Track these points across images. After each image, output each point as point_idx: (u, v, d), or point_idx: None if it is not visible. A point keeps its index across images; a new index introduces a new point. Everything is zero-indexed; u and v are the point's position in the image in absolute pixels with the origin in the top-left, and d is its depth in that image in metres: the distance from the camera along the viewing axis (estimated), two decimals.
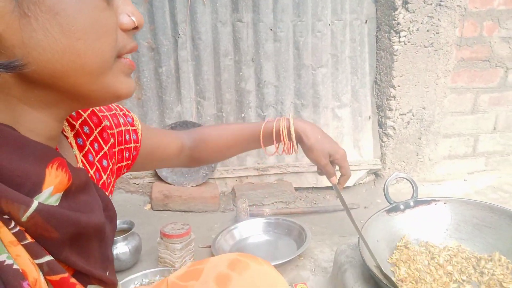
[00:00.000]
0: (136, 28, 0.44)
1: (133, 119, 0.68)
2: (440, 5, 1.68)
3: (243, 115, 1.92)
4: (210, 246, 1.44)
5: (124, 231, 1.40)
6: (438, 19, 1.70)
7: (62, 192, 0.41)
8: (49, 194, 0.39)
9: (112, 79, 0.42)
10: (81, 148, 0.53)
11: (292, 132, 0.84)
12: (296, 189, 1.96)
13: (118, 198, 1.90)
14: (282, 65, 1.88)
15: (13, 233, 0.36)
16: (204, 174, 1.90)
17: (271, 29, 1.84)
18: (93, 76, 0.40)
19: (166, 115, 1.92)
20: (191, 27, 1.83)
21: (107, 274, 0.48)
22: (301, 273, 1.27)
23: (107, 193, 0.56)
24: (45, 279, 0.38)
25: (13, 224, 0.36)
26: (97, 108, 0.60)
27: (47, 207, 0.38)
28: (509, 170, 2.00)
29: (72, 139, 0.52)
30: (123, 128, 0.64)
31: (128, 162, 0.65)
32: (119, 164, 0.62)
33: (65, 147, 0.51)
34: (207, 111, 1.93)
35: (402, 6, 1.68)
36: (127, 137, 0.64)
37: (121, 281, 1.22)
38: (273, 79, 1.90)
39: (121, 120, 0.64)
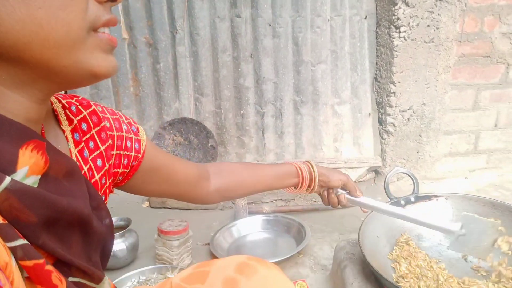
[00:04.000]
0: (113, 0, 0.41)
1: (138, 130, 0.66)
2: (440, 0, 1.66)
3: (242, 111, 1.91)
4: (208, 244, 1.42)
5: (121, 228, 1.38)
6: (439, 14, 1.68)
7: (40, 176, 0.40)
8: (24, 175, 0.37)
9: (86, 54, 0.39)
10: (77, 143, 0.52)
11: (316, 181, 0.90)
12: None
13: (115, 197, 1.87)
14: (281, 61, 1.86)
15: None
16: None
17: (269, 25, 1.82)
18: (62, 50, 0.37)
19: (164, 112, 1.90)
20: (189, 23, 1.81)
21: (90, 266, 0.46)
22: (300, 271, 1.25)
23: (100, 193, 0.54)
24: (18, 264, 0.36)
25: None
26: (100, 109, 0.59)
27: (22, 186, 0.36)
28: (511, 167, 1.98)
29: (68, 133, 0.52)
30: (124, 134, 0.62)
31: (126, 170, 0.63)
32: (116, 169, 0.61)
33: (60, 139, 0.50)
34: (206, 108, 1.91)
35: (402, 1, 1.66)
36: (128, 144, 0.62)
37: (118, 278, 1.20)
38: (272, 76, 1.88)
39: (124, 127, 0.63)
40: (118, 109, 1.87)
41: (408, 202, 1.11)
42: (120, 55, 1.82)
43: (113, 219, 1.43)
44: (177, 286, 0.64)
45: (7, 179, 0.35)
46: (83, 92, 1.83)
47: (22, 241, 0.36)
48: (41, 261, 0.38)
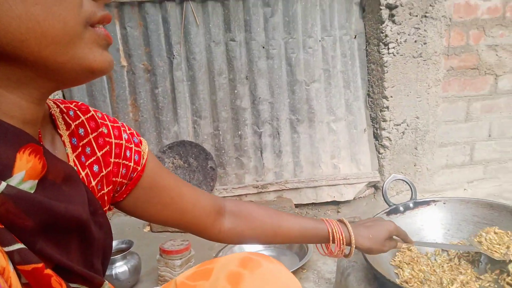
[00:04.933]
0: None
1: (140, 142, 0.63)
2: (425, 16, 1.73)
3: (239, 132, 1.94)
4: None
5: (122, 250, 1.38)
6: (425, 30, 1.75)
7: (37, 180, 0.39)
8: (20, 179, 0.37)
9: (84, 49, 0.39)
10: (74, 148, 0.51)
11: (353, 247, 0.77)
12: (296, 205, 1.95)
13: (116, 221, 1.88)
14: (276, 81, 1.91)
15: None
16: None
17: (263, 47, 1.88)
18: (59, 46, 0.37)
19: (163, 136, 1.93)
20: (185, 48, 1.87)
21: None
22: (305, 285, 1.24)
23: (97, 199, 0.53)
24: (16, 269, 0.35)
25: None
26: (99, 115, 0.58)
27: (18, 191, 0.36)
28: (508, 177, 2.00)
29: (66, 138, 0.51)
30: (124, 142, 0.60)
31: (124, 181, 0.60)
32: (115, 178, 0.59)
33: (57, 144, 0.50)
34: (204, 130, 1.94)
35: (388, 19, 1.74)
36: (128, 153, 0.60)
37: None
38: (267, 96, 1.93)
39: (125, 136, 0.61)
40: None
41: (407, 208, 1.12)
42: (119, 82, 1.87)
43: (114, 242, 1.43)
44: (181, 284, 0.63)
45: (3, 184, 0.35)
46: None
47: (19, 246, 0.36)
48: (40, 265, 0.37)
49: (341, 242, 0.75)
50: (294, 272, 1.28)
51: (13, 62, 0.37)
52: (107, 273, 1.29)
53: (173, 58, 1.86)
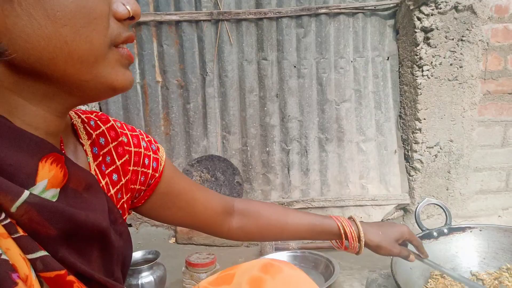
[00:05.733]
0: (132, 18, 0.42)
1: (158, 149, 0.65)
2: (462, 40, 1.71)
3: (267, 149, 1.95)
4: None
5: (149, 261, 1.39)
6: (461, 53, 1.72)
7: (59, 189, 0.40)
8: (43, 188, 0.38)
9: (107, 69, 0.40)
10: (95, 157, 0.53)
11: (362, 242, 0.78)
12: None
13: (142, 232, 1.91)
14: (306, 100, 1.92)
15: (3, 225, 0.34)
16: None
17: (294, 66, 1.91)
18: (84, 65, 0.39)
19: (192, 149, 1.96)
20: (218, 66, 1.92)
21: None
22: None
23: (117, 206, 0.55)
24: (38, 276, 0.36)
25: (3, 215, 0.34)
26: (118, 124, 0.60)
27: (41, 199, 0.37)
28: None
29: (88, 147, 0.52)
30: (143, 150, 0.62)
31: (143, 187, 0.62)
32: (133, 186, 0.60)
33: (79, 153, 0.51)
34: (232, 145, 1.96)
35: (423, 41, 1.72)
36: (146, 161, 0.62)
37: None
38: (297, 114, 1.93)
39: (143, 144, 0.63)
40: None
41: (441, 233, 1.08)
42: (153, 97, 1.93)
43: (141, 252, 1.46)
44: None
45: (26, 193, 0.35)
46: None
47: (43, 253, 0.36)
48: (63, 272, 0.38)
49: (353, 236, 0.76)
50: None
51: (39, 78, 0.38)
52: (133, 282, 1.31)
53: (206, 75, 1.91)
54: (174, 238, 1.86)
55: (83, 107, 1.77)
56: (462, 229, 1.08)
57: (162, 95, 1.96)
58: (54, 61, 0.37)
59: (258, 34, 1.89)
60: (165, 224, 1.93)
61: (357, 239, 0.77)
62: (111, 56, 0.41)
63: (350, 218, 0.80)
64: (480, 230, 1.07)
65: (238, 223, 0.76)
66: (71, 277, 0.39)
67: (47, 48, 0.36)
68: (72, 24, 0.36)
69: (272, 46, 1.90)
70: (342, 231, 0.76)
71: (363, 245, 0.78)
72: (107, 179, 0.54)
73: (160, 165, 0.64)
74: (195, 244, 1.81)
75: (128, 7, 0.41)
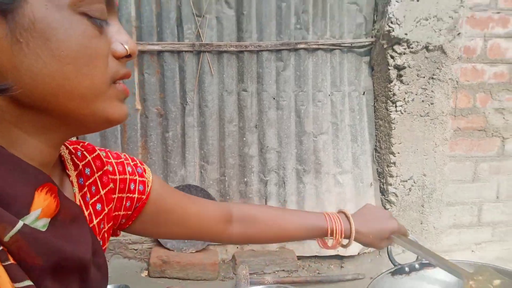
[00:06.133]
0: (129, 56, 0.44)
1: (144, 171, 0.65)
2: (432, 78, 1.79)
3: (245, 179, 1.95)
4: None
5: None
6: (432, 91, 1.80)
7: (50, 219, 0.41)
8: (36, 217, 0.39)
9: (104, 103, 0.43)
10: (81, 188, 0.54)
11: (352, 237, 0.78)
12: (299, 257, 1.90)
13: (115, 264, 1.85)
14: (284, 131, 1.95)
15: None
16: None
17: (274, 98, 1.94)
18: (84, 101, 0.41)
19: (169, 179, 1.94)
20: (198, 96, 1.94)
21: None
22: None
23: (98, 237, 0.55)
24: None
25: None
26: (103, 154, 0.60)
27: (32, 230, 0.37)
28: None
29: (74, 178, 0.53)
30: (128, 176, 0.62)
31: (129, 212, 0.62)
32: (117, 212, 0.60)
33: (66, 184, 0.52)
34: (210, 175, 1.95)
35: (396, 78, 1.79)
36: (132, 186, 0.62)
37: None
38: (275, 145, 1.95)
39: (128, 169, 0.63)
40: None
41: (413, 269, 1.08)
42: (132, 125, 1.92)
43: (111, 286, 1.40)
44: None
45: (20, 224, 0.36)
46: None
47: (28, 282, 0.37)
48: None
49: (339, 237, 0.77)
50: None
51: (40, 112, 0.40)
52: None
53: (186, 104, 1.92)
54: (147, 271, 1.81)
55: None
56: (433, 265, 1.09)
57: (141, 123, 1.95)
58: (56, 97, 0.39)
59: (238, 66, 1.93)
60: (138, 256, 1.88)
61: (347, 237, 0.78)
62: (110, 92, 0.42)
63: (343, 213, 0.79)
64: None
65: (238, 229, 0.76)
66: None
67: (50, 85, 0.38)
68: (75, 62, 0.39)
69: (252, 78, 1.93)
70: (329, 232, 0.77)
71: (352, 242, 0.78)
72: (90, 209, 0.54)
73: (147, 186, 0.64)
74: (168, 278, 1.76)
75: (126, 46, 0.43)
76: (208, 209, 0.73)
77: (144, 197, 0.63)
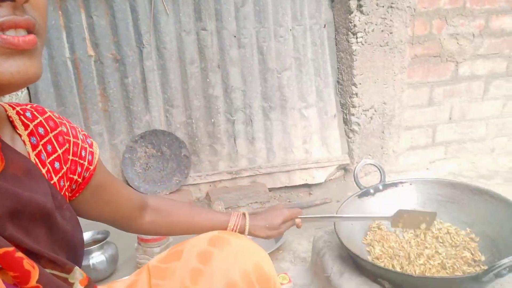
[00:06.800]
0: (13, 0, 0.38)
1: (92, 144, 0.66)
2: (391, 7, 1.79)
3: (212, 120, 1.95)
4: None
5: (99, 241, 1.38)
6: (391, 20, 1.81)
7: None
8: None
9: None
10: (34, 147, 0.53)
11: (246, 231, 0.88)
12: (270, 189, 2.00)
13: None
14: (248, 70, 1.93)
15: None
16: (177, 181, 1.90)
17: (235, 36, 1.89)
18: None
19: (134, 125, 1.91)
20: (155, 37, 1.84)
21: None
22: (281, 265, 1.29)
23: (61, 193, 0.56)
24: None
25: None
26: (56, 115, 0.60)
27: None
28: (467, 157, 2.14)
29: (25, 137, 0.53)
30: (80, 142, 0.62)
31: (79, 179, 0.62)
32: (72, 175, 0.61)
33: (17, 143, 0.52)
34: (176, 119, 1.94)
35: (356, 9, 1.79)
36: (83, 153, 0.63)
37: None
38: (240, 84, 1.94)
39: (80, 136, 0.63)
40: (87, 126, 1.86)
41: (377, 190, 1.18)
42: (86, 72, 1.83)
43: (90, 232, 1.43)
44: (153, 268, 0.66)
45: None
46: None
47: None
48: (11, 249, 0.39)
49: (236, 230, 0.85)
50: (271, 254, 1.33)
51: None
52: (84, 263, 1.29)
53: (143, 47, 1.83)
54: None
55: (13, 98, 1.64)
56: (395, 185, 1.19)
57: (96, 70, 1.85)
58: None
59: (195, 3, 1.83)
60: None
61: (242, 233, 0.87)
62: None
63: (244, 215, 0.88)
64: (410, 184, 1.18)
65: (150, 218, 0.80)
66: (20, 254, 0.40)
67: None
68: None
69: (210, 15, 1.85)
70: (229, 228, 0.86)
71: (247, 232, 0.87)
72: (48, 166, 0.54)
73: (95, 158, 0.65)
74: None
75: None
76: (132, 194, 0.76)
77: (91, 167, 0.64)
